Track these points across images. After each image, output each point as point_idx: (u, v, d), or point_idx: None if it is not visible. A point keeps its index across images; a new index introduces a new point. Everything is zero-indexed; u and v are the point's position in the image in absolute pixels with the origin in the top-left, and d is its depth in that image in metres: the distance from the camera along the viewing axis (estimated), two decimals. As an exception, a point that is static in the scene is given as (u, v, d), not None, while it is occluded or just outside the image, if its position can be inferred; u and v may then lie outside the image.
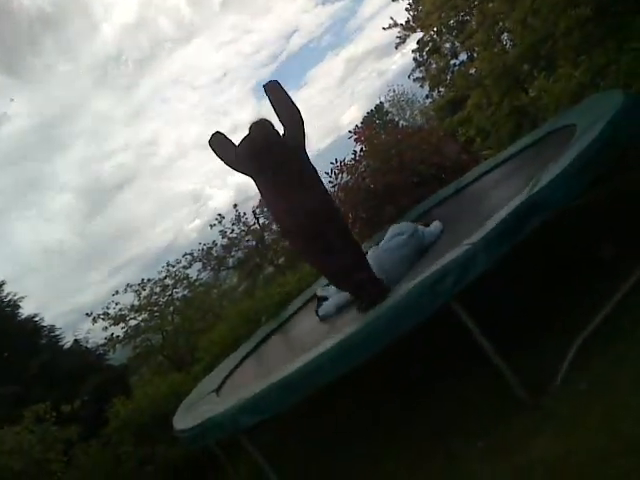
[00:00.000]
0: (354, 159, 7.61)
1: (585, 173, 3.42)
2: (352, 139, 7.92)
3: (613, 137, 3.61)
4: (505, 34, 8.57)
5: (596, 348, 2.83)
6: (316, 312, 4.87)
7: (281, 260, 14.01)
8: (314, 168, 3.99)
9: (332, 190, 7.52)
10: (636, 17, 5.59)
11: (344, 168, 7.51)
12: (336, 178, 7.55)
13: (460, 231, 4.25)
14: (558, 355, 2.89)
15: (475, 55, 10.58)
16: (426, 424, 3.26)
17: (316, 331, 4.66)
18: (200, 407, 4.46)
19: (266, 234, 13.85)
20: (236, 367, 5.26)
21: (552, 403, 2.64)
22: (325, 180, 7.80)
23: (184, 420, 4.39)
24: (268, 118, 3.91)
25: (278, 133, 3.84)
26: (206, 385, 5.32)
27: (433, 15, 9.54)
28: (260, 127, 3.83)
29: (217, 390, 4.72)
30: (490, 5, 8.03)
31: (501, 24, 8.48)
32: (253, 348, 5.58)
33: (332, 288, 4.93)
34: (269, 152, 3.74)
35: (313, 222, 3.73)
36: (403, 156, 6.97)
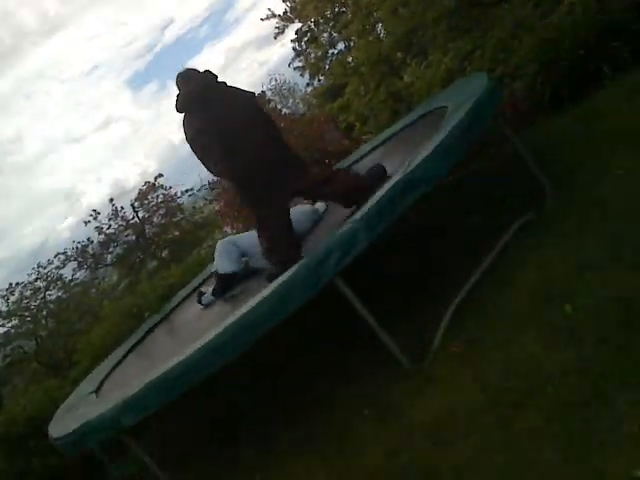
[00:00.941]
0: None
1: (455, 150, 3.58)
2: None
3: (478, 116, 3.80)
4: (379, 24, 8.82)
5: (468, 312, 3.00)
6: (199, 301, 4.71)
7: (165, 253, 13.55)
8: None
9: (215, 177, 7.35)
10: (497, 8, 5.99)
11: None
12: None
13: (343, 210, 4.33)
14: (436, 321, 3.03)
15: (352, 45, 10.83)
16: (316, 397, 3.28)
17: (201, 321, 4.51)
18: (78, 410, 4.15)
19: (147, 227, 13.33)
20: (116, 366, 4.95)
21: (431, 367, 2.77)
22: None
23: (61, 426, 4.06)
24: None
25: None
26: (84, 387, 4.95)
27: (309, 5, 9.61)
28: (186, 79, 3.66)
29: (96, 391, 4.42)
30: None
31: (375, 15, 8.74)
32: (134, 345, 5.28)
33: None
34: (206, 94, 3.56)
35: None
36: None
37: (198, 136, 3.54)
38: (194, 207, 14.00)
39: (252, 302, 3.37)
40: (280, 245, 3.73)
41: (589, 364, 2.15)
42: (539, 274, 2.91)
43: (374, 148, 5.98)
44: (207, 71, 3.72)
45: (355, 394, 2.99)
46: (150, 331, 5.44)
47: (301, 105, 17.49)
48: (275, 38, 14.16)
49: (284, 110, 16.09)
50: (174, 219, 13.46)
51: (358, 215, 3.28)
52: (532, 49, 5.30)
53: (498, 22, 5.89)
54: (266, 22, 13.85)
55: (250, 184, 3.63)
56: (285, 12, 14.22)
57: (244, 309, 3.36)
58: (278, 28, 14.09)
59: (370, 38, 8.55)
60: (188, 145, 3.68)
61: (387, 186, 3.39)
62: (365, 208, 3.32)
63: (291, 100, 19.46)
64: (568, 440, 1.91)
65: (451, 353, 2.75)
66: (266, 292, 3.37)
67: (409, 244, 4.34)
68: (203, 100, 3.56)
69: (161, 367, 3.44)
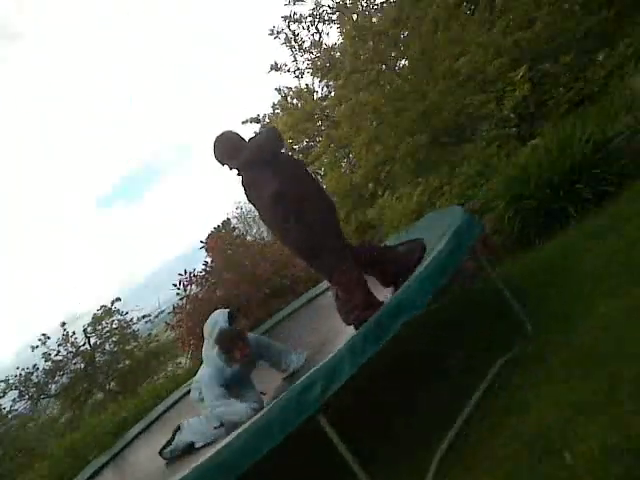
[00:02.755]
0: (205, 270, 7.35)
1: (437, 278, 3.53)
2: (202, 250, 7.75)
3: (459, 246, 3.81)
4: (349, 156, 9.24)
5: (458, 458, 2.77)
6: (160, 452, 4.12)
7: (112, 384, 12.67)
8: None
9: (180, 302, 7.12)
10: (463, 146, 6.35)
11: (194, 279, 7.20)
12: (185, 290, 7.18)
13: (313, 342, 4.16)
14: (423, 464, 2.79)
15: (320, 178, 11.24)
16: None
17: (154, 465, 4.01)
18: None
19: (97, 355, 12.57)
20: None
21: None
22: (172, 292, 7.37)
23: None
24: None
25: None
26: None
27: (284, 135, 10.06)
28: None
29: None
30: (336, 131, 8.67)
31: (345, 149, 9.21)
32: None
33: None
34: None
35: None
36: (257, 268, 6.87)
37: (279, 199, 3.35)
38: (149, 334, 13.42)
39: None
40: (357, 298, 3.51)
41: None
42: (531, 418, 2.71)
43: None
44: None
45: None
46: (97, 474, 4.81)
47: (265, 234, 17.71)
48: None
49: (248, 237, 16.28)
50: (127, 347, 12.82)
51: (343, 344, 3.12)
52: (499, 186, 5.52)
53: (464, 160, 6.21)
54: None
55: (330, 239, 3.52)
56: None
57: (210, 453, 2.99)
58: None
59: (341, 170, 8.91)
60: (255, 203, 3.55)
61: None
62: (350, 336, 3.18)
63: (255, 229, 19.73)
64: None
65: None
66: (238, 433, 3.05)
67: (391, 371, 4.12)
68: (275, 157, 3.47)
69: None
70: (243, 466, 2.75)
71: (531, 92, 6.41)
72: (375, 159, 7.11)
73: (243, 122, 14.96)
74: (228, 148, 3.55)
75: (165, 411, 5.30)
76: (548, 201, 5.12)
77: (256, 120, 15.57)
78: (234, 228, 18.43)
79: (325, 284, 6.30)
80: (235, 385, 3.92)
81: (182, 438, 4.06)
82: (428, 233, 4.61)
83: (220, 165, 3.55)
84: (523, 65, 6.72)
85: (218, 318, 4.32)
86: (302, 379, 3.02)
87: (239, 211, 19.98)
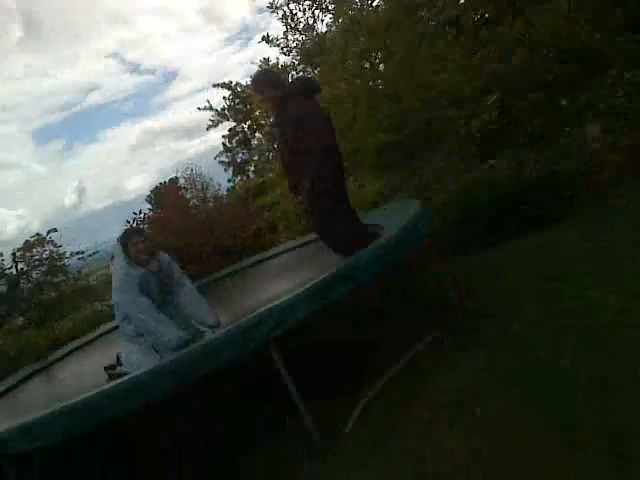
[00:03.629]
0: (159, 213, 7.48)
1: (391, 252, 3.93)
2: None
3: (414, 229, 4.23)
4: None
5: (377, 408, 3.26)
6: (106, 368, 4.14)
7: (33, 313, 12.39)
8: None
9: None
10: (427, 153, 6.84)
11: (147, 220, 7.31)
12: (137, 229, 7.26)
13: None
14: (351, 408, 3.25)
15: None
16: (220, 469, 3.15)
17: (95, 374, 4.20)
18: None
19: (22, 281, 12.23)
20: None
21: (341, 444, 3.00)
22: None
23: None
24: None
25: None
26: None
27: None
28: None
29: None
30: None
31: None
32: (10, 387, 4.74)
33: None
34: None
35: None
36: (212, 223, 7.07)
37: (321, 113, 3.89)
38: (79, 272, 13.13)
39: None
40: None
41: (497, 455, 2.43)
42: (453, 381, 3.21)
43: (297, 247, 6.24)
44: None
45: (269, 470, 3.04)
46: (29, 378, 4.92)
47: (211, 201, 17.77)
48: (207, 129, 14.88)
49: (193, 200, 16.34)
50: (55, 279, 12.52)
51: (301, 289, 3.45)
52: (454, 195, 6.02)
53: (424, 162, 6.70)
54: (189, 116, 14.77)
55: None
56: (224, 109, 15.10)
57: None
58: (212, 121, 14.89)
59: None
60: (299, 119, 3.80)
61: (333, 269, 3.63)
62: (309, 284, 3.51)
63: (201, 194, 19.66)
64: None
65: (359, 438, 2.97)
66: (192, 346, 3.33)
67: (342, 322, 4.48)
68: (316, 93, 4.05)
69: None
70: (185, 379, 3.06)
71: (498, 118, 6.97)
72: (344, 147, 7.47)
73: (214, 85, 15.07)
74: (273, 79, 4.01)
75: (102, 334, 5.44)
76: (494, 215, 5.64)
77: (227, 86, 15.74)
78: (180, 187, 18.26)
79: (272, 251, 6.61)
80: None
81: (124, 370, 3.94)
82: (387, 219, 5.03)
83: (259, 95, 4.05)
84: (495, 93, 7.29)
85: None
86: (256, 312, 3.33)
87: (189, 172, 19.69)
